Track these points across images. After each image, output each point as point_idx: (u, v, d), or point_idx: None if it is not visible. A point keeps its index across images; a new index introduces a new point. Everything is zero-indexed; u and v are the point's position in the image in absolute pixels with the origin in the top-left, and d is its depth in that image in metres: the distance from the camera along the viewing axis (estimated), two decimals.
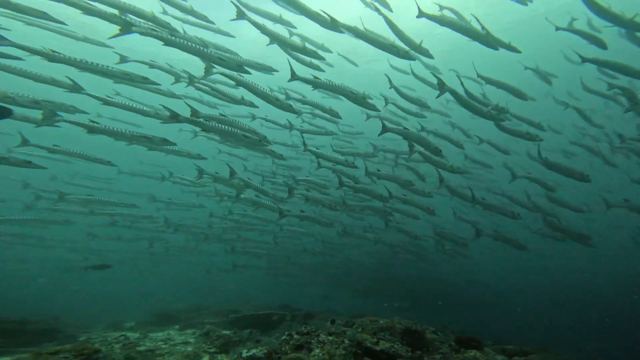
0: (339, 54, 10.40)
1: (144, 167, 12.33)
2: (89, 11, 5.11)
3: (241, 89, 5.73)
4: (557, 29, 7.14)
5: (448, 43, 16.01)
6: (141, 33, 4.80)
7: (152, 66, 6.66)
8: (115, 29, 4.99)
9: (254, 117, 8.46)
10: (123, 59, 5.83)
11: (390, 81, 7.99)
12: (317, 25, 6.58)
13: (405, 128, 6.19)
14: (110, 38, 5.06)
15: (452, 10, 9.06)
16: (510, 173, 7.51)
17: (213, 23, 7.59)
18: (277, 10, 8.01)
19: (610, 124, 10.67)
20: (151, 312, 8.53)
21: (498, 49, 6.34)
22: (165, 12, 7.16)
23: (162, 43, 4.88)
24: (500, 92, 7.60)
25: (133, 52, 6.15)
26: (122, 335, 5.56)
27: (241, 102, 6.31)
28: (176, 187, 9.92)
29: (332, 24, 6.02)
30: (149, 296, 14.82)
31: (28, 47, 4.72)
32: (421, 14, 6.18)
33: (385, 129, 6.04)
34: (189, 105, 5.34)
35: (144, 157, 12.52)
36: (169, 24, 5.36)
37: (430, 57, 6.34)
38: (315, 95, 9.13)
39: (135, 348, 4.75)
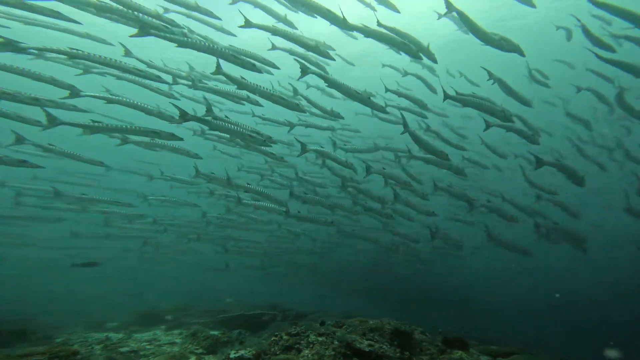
0: (336, 54, 10.38)
1: (133, 164, 12.06)
2: (101, 9, 5.07)
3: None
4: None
5: (444, 44, 16.12)
6: (157, 36, 4.89)
7: (150, 66, 6.57)
8: (116, 28, 4.90)
9: (254, 114, 8.49)
10: (127, 53, 5.82)
11: (386, 86, 8.00)
12: (311, 26, 6.52)
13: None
14: (131, 36, 5.05)
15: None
16: (535, 159, 6.72)
17: (219, 19, 7.53)
18: (281, 9, 7.98)
19: (597, 127, 10.85)
20: (137, 312, 8.30)
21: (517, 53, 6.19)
22: (167, 11, 7.09)
23: (176, 45, 4.98)
24: (492, 95, 7.61)
25: (134, 49, 6.06)
26: (104, 336, 5.35)
27: (247, 100, 6.32)
28: (166, 184, 9.72)
29: (344, 24, 6.07)
30: (136, 296, 14.48)
31: (50, 49, 4.74)
32: (451, 8, 5.95)
33: (406, 130, 6.17)
34: (206, 100, 5.38)
35: (135, 155, 12.25)
36: (173, 21, 5.37)
37: (435, 61, 6.32)
38: (314, 94, 9.12)
39: (117, 349, 4.57)
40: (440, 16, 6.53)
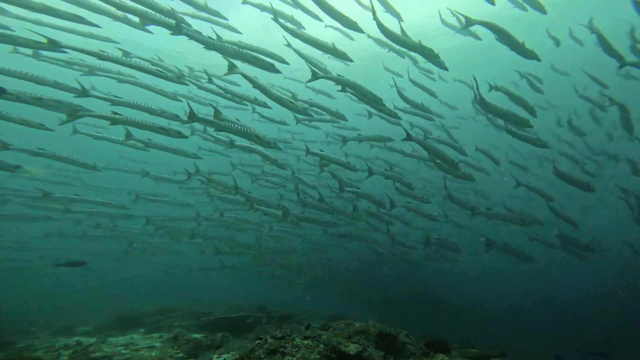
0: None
1: (121, 162, 11.67)
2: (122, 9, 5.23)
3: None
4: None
5: (440, 46, 16.32)
6: (187, 35, 5.19)
7: (153, 64, 6.44)
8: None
9: (254, 110, 8.58)
10: (126, 55, 5.79)
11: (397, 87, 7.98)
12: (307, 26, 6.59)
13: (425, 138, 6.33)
14: (171, 33, 5.34)
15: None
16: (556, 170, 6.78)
17: (226, 19, 7.60)
18: (282, 8, 7.94)
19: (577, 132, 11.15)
20: (113, 315, 7.88)
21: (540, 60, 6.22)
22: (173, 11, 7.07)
23: (203, 46, 5.40)
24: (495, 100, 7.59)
25: (136, 48, 6.01)
26: (74, 341, 4.99)
27: (254, 102, 6.38)
28: (153, 183, 9.40)
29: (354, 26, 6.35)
30: (114, 298, 13.85)
31: (80, 49, 4.87)
32: (470, 22, 5.95)
33: (409, 138, 6.14)
34: (213, 107, 5.55)
35: (124, 153, 11.86)
36: (183, 19, 5.47)
37: (446, 69, 6.35)
38: (310, 94, 9.04)
39: (88, 355, 4.25)
40: (463, 25, 6.42)
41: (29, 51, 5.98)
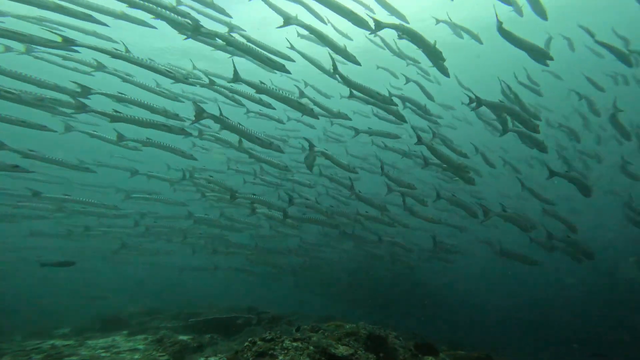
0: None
1: (109, 160, 11.34)
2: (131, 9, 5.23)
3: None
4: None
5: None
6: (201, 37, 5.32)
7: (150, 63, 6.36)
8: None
9: (248, 111, 8.41)
10: (127, 52, 5.77)
11: (390, 93, 7.91)
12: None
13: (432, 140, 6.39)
14: (184, 39, 5.42)
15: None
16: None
17: (230, 17, 7.49)
18: (288, 9, 7.81)
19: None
20: (95, 317, 7.55)
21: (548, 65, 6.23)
22: (180, 3, 6.98)
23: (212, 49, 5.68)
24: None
25: (132, 48, 5.97)
26: (48, 344, 4.69)
27: (259, 102, 6.38)
28: (143, 180, 9.15)
29: (377, 27, 6.19)
30: (97, 299, 13.38)
31: (92, 46, 4.91)
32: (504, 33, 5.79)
33: (420, 141, 6.13)
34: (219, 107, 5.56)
35: (115, 152, 11.54)
36: (189, 14, 5.47)
37: (447, 75, 6.30)
38: (310, 93, 8.94)
39: (63, 359, 3.99)
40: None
41: (19, 48, 5.89)
